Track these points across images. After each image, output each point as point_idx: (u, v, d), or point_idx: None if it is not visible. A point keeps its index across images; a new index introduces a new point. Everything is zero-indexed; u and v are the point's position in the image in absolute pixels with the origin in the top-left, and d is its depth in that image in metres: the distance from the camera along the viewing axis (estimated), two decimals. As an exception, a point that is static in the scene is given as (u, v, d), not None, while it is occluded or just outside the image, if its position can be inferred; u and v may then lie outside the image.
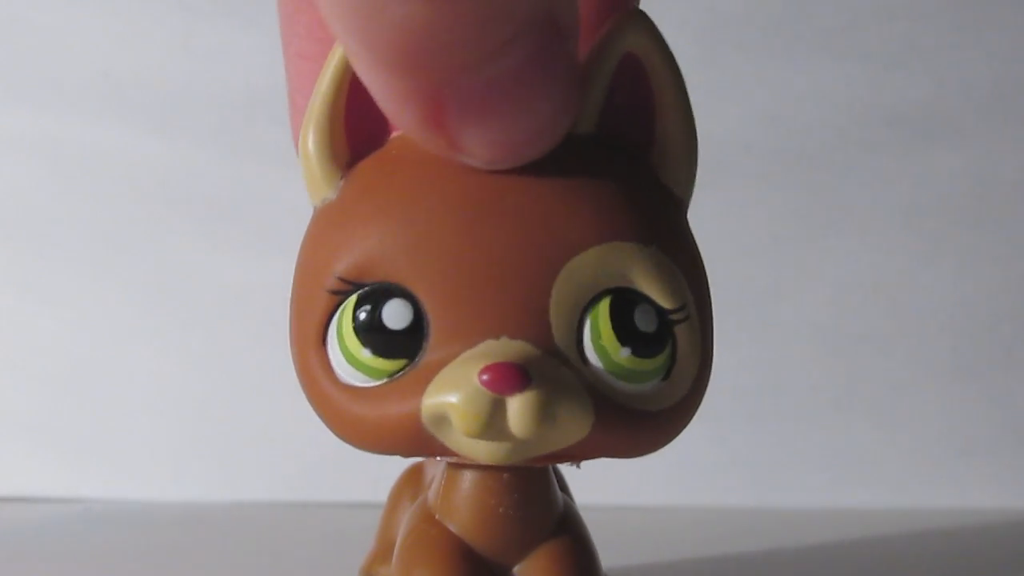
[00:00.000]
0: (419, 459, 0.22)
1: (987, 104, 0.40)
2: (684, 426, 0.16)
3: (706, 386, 0.16)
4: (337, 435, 0.16)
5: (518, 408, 0.14)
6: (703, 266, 0.16)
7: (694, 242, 0.16)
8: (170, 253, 0.39)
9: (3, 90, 0.39)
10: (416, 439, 0.15)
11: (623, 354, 0.15)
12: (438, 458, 0.16)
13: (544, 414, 0.14)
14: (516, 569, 0.17)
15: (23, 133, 0.39)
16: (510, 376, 0.14)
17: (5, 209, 0.39)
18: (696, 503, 0.38)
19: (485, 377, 0.14)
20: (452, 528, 0.17)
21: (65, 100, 0.39)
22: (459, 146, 0.14)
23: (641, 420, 0.15)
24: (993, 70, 0.40)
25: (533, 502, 0.17)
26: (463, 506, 0.17)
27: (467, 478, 0.17)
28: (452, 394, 0.14)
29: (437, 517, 0.17)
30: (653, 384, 0.15)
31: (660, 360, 0.15)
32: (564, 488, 0.21)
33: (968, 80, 0.40)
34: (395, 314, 0.15)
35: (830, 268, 0.40)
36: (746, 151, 0.39)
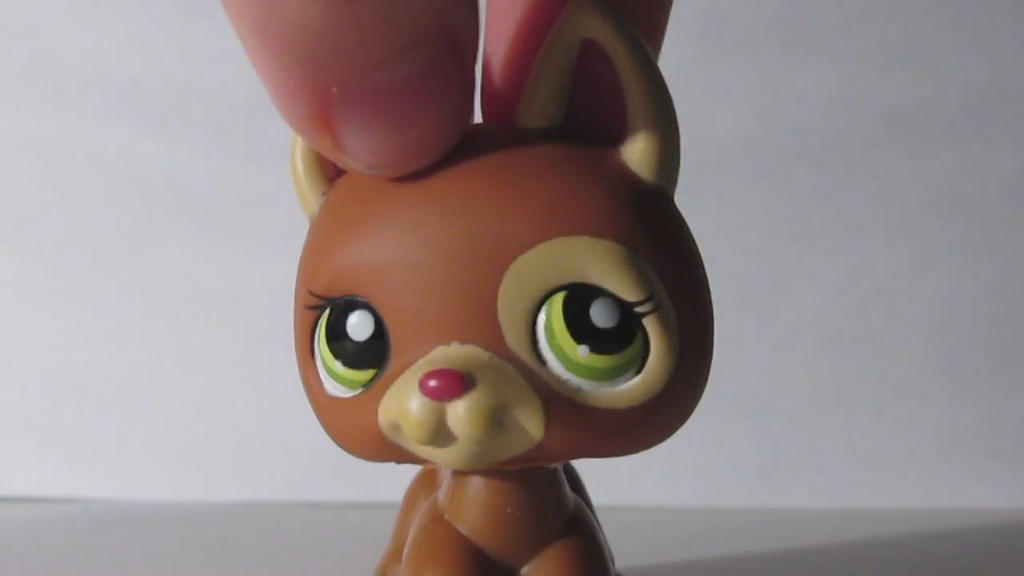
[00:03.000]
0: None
1: (986, 104, 0.40)
2: (673, 422, 0.16)
3: (698, 379, 0.15)
4: (335, 443, 0.16)
5: (460, 414, 0.14)
6: (691, 256, 0.15)
7: (679, 231, 0.16)
8: (170, 253, 0.39)
9: (3, 90, 0.39)
10: (385, 447, 0.15)
11: (581, 352, 0.14)
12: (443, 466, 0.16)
13: (487, 418, 0.14)
14: (524, 570, 0.17)
15: (23, 133, 0.39)
16: (446, 382, 0.14)
17: (5, 209, 0.39)
18: (696, 503, 0.38)
19: (429, 384, 0.14)
20: (461, 528, 0.17)
21: (65, 100, 0.39)
22: (343, 147, 0.14)
23: (609, 419, 0.15)
24: (992, 70, 0.40)
25: (542, 502, 0.17)
26: (472, 506, 0.17)
27: (475, 479, 0.17)
28: (398, 403, 0.14)
29: (446, 517, 0.17)
30: (624, 380, 0.15)
31: (628, 355, 0.15)
32: (578, 488, 0.21)
33: (967, 80, 0.40)
34: (358, 326, 0.15)
35: (830, 268, 0.40)
36: (746, 151, 0.39)
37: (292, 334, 0.16)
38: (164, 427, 0.38)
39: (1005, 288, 0.40)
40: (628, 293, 0.14)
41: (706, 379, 0.16)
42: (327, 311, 0.15)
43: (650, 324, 0.15)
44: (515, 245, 0.14)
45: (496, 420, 0.14)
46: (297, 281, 0.16)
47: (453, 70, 0.13)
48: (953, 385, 0.39)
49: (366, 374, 0.15)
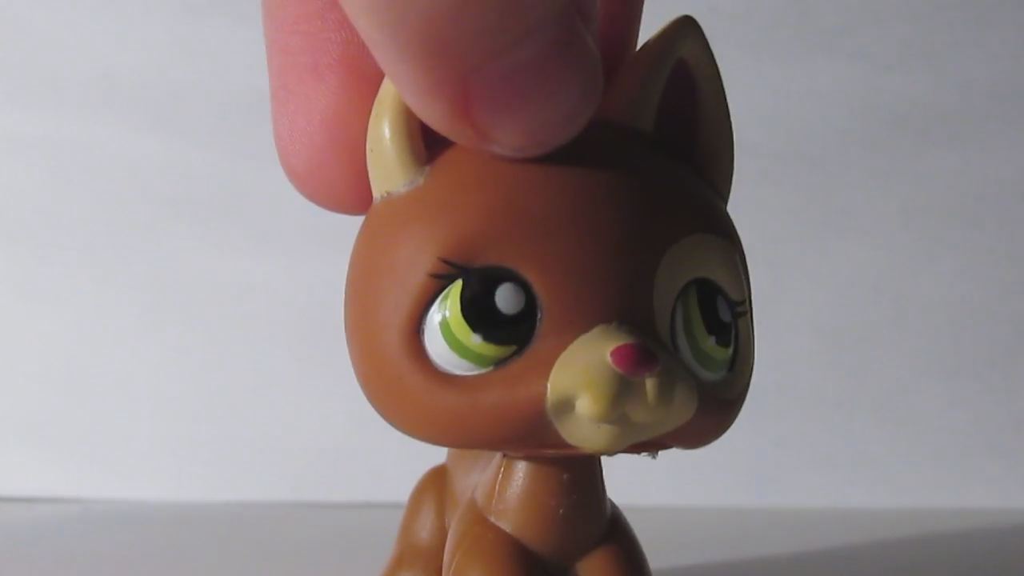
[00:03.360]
0: (440, 463, 0.22)
1: (987, 104, 0.40)
2: (735, 417, 0.16)
3: (750, 380, 0.16)
4: (412, 429, 0.15)
5: (648, 390, 0.14)
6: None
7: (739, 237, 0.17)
8: (170, 253, 0.39)
9: (3, 90, 0.39)
10: (529, 427, 0.15)
11: (710, 342, 0.15)
12: (500, 454, 0.16)
13: (668, 397, 0.14)
14: (573, 570, 0.17)
15: (23, 133, 0.39)
16: (645, 357, 0.14)
17: (5, 209, 0.39)
18: (696, 503, 0.38)
19: (618, 358, 0.14)
20: (507, 529, 0.17)
21: (65, 100, 0.39)
22: (488, 135, 0.14)
23: (721, 407, 0.16)
24: (993, 70, 0.40)
25: (590, 503, 0.17)
26: (520, 507, 0.17)
27: (525, 479, 0.17)
28: (584, 376, 0.14)
29: (491, 519, 0.17)
30: (722, 374, 0.16)
31: (731, 351, 0.16)
32: None
33: (968, 80, 0.40)
34: (508, 298, 0.14)
35: (830, 268, 0.40)
36: (746, 151, 0.39)
37: (357, 316, 0.16)
38: (164, 427, 0.38)
39: (1005, 288, 0.40)
40: (735, 293, 0.16)
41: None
42: (460, 281, 0.15)
43: (741, 324, 0.16)
44: (670, 235, 0.15)
45: (671, 399, 0.14)
46: (391, 252, 0.15)
47: (581, 42, 0.14)
48: (953, 385, 0.39)
49: (505, 350, 0.15)
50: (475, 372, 0.15)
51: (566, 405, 0.14)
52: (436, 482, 0.22)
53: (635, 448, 0.15)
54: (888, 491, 0.39)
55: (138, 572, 0.28)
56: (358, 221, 0.17)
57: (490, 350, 0.14)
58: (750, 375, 0.16)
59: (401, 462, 0.22)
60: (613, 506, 0.18)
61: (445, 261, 0.15)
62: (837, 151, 0.40)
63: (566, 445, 0.15)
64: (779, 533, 0.33)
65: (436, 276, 0.15)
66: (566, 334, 0.14)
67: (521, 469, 0.17)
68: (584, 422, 0.14)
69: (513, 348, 0.14)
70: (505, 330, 0.14)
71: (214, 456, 0.38)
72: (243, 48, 0.38)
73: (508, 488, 0.17)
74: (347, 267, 0.16)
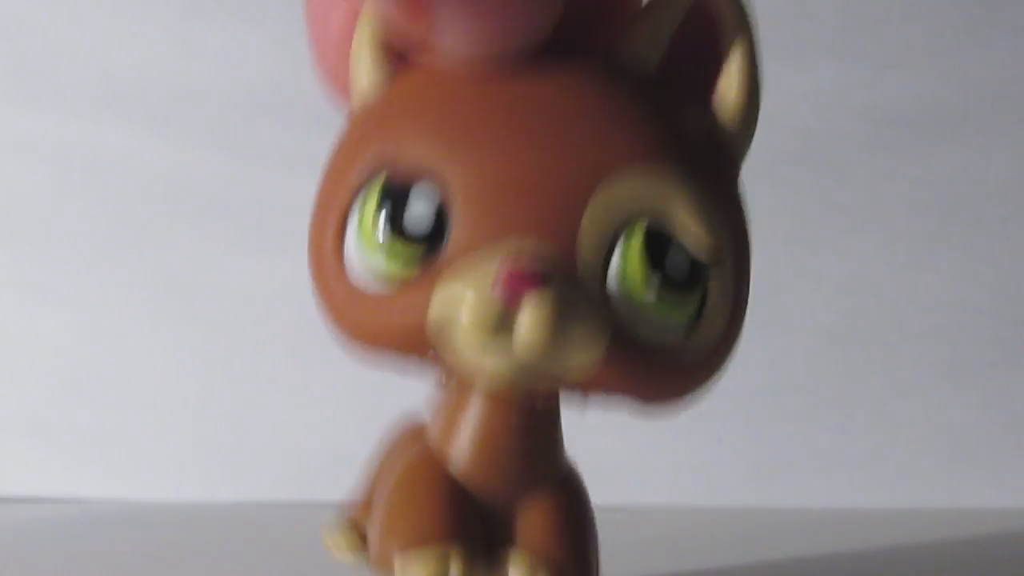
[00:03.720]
0: (420, 423, 0.22)
1: (987, 104, 0.40)
2: (707, 380, 0.16)
3: (735, 343, 0.16)
4: (344, 337, 0.16)
5: (530, 313, 0.13)
6: (747, 225, 0.16)
7: (741, 198, 0.16)
8: (170, 253, 0.39)
9: (4, 91, 0.39)
10: (419, 340, 0.14)
11: (650, 288, 0.14)
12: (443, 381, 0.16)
13: (556, 323, 0.13)
14: (516, 515, 0.17)
15: (24, 133, 0.39)
16: (526, 275, 0.13)
17: (6, 209, 0.39)
18: (696, 503, 0.38)
19: (500, 272, 0.13)
20: (453, 459, 0.17)
21: (65, 100, 0.39)
22: (437, 34, 0.14)
23: (659, 359, 0.15)
24: (993, 70, 0.40)
25: (539, 444, 0.17)
26: (468, 441, 0.17)
27: (477, 407, 0.17)
28: (464, 287, 0.14)
29: (436, 445, 0.17)
30: (678, 326, 0.15)
31: (689, 303, 0.15)
32: (580, 492, 0.21)
33: (968, 80, 0.40)
34: (421, 196, 0.14)
35: (830, 268, 0.40)
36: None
37: (313, 214, 0.16)
38: (164, 427, 0.38)
39: (1004, 288, 0.40)
40: (703, 243, 0.15)
41: (737, 345, 0.16)
42: (382, 179, 0.15)
43: (713, 277, 0.15)
44: (612, 161, 0.14)
45: (562, 329, 0.14)
46: (338, 161, 0.16)
47: None
48: (953, 385, 0.39)
49: (415, 249, 0.14)
50: (384, 270, 0.15)
51: (449, 321, 0.14)
52: (412, 440, 0.22)
53: (562, 386, 0.15)
54: (888, 491, 0.39)
55: (138, 572, 0.28)
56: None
57: (397, 250, 0.15)
58: (721, 334, 0.15)
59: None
60: (572, 466, 0.18)
61: (370, 164, 0.15)
62: (837, 151, 0.40)
63: (463, 368, 0.15)
64: (779, 533, 0.33)
65: (364, 176, 0.15)
66: (475, 242, 0.14)
67: (475, 407, 0.17)
68: (468, 341, 0.14)
69: (420, 250, 0.14)
70: (412, 229, 0.14)
71: (214, 456, 0.38)
72: (243, 48, 0.38)
73: (459, 416, 0.17)
74: None
